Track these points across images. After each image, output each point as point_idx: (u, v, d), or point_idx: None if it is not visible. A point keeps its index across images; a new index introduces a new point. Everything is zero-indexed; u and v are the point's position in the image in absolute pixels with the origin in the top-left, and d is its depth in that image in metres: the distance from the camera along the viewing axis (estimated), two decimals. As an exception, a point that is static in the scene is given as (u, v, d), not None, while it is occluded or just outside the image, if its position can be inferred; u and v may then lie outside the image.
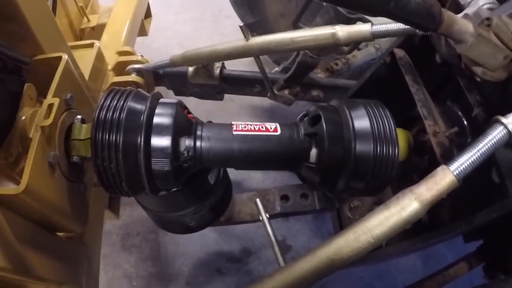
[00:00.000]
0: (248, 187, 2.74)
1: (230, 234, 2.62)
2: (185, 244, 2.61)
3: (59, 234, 1.42)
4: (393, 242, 1.47)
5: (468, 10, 1.15)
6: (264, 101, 2.92)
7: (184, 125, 1.22)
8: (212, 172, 1.43)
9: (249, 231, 2.62)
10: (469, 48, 1.11)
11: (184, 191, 1.32)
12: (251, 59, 1.70)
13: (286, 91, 2.10)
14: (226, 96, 2.42)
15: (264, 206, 1.63)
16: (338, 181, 1.23)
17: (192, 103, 2.47)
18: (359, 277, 2.56)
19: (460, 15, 1.15)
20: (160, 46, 3.70)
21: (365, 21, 1.71)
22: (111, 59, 2.21)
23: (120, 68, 2.20)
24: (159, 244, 2.65)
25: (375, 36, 1.35)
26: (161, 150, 1.14)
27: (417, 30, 1.32)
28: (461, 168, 0.99)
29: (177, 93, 2.33)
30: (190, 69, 2.07)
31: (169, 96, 2.47)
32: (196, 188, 1.40)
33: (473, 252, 1.71)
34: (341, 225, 1.74)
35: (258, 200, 1.45)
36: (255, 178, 2.79)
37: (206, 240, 2.60)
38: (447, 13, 1.08)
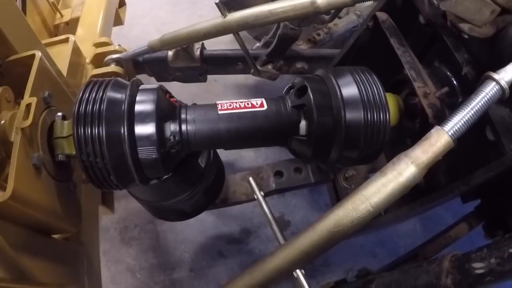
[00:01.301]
0: (241, 167, 2.72)
1: (228, 216, 2.61)
2: (184, 231, 2.59)
3: (55, 236, 1.40)
4: (392, 208, 1.46)
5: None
6: (249, 79, 2.90)
7: (167, 110, 1.18)
8: (202, 155, 1.41)
9: (246, 211, 2.61)
10: (455, 4, 1.09)
11: (175, 178, 1.30)
12: (231, 37, 1.65)
13: (270, 66, 2.06)
14: (209, 77, 2.38)
15: (258, 184, 1.61)
16: (331, 151, 1.21)
17: (176, 87, 2.43)
18: (361, 246, 2.57)
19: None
20: (138, 34, 3.64)
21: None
22: (88, 52, 2.16)
23: (98, 60, 2.15)
24: (158, 234, 2.63)
25: (355, 1, 1.32)
26: (146, 138, 1.11)
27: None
28: (456, 128, 0.97)
29: (159, 79, 2.29)
30: (170, 53, 2.03)
31: (152, 83, 2.46)
32: (188, 174, 1.38)
33: (472, 212, 1.71)
34: (338, 196, 1.73)
35: (251, 179, 1.43)
36: (247, 156, 2.76)
37: (204, 225, 2.59)
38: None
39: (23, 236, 1.21)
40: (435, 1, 1.18)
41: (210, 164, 1.46)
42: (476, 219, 1.72)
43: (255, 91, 3.22)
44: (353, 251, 2.51)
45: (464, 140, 1.02)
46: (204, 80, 2.31)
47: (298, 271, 1.04)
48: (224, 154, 1.56)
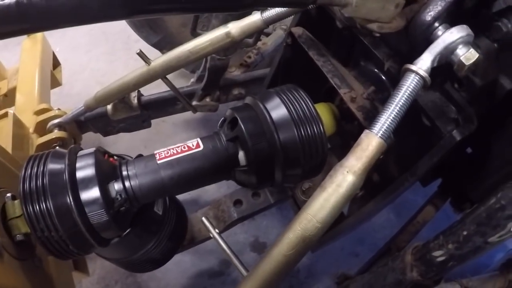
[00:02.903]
0: (205, 200, 2.71)
1: (204, 252, 2.59)
2: (165, 277, 2.57)
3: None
4: (354, 211, 1.49)
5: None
6: (196, 114, 2.91)
7: (108, 170, 1.19)
8: (158, 203, 1.41)
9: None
10: (356, 9, 1.10)
11: (135, 231, 1.30)
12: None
13: (208, 99, 2.09)
14: (157, 118, 2.39)
15: (219, 218, 1.63)
16: (275, 174, 1.23)
17: (126, 136, 2.45)
18: (341, 249, 2.57)
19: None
20: (80, 90, 3.61)
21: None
22: (30, 122, 2.15)
23: (41, 128, 2.13)
24: (140, 285, 2.60)
25: (267, 22, 1.34)
26: (93, 202, 1.11)
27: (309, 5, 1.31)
28: (384, 128, 0.99)
29: (105, 134, 2.28)
30: (109, 107, 2.03)
31: (100, 139, 2.46)
32: (147, 224, 1.38)
33: (435, 193, 1.74)
34: (300, 209, 1.74)
35: (204, 219, 1.44)
36: (209, 190, 2.75)
37: (182, 266, 2.57)
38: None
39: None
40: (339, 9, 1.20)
41: (167, 209, 1.46)
42: (440, 199, 1.75)
43: (204, 123, 3.22)
44: (334, 256, 2.52)
45: (404, 131, 1.04)
46: (149, 125, 2.31)
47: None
48: (186, 193, 1.57)
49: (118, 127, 2.23)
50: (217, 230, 1.39)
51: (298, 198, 1.71)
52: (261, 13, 1.34)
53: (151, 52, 1.56)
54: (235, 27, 1.36)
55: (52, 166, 1.15)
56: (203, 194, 2.72)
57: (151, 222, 1.40)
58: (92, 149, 1.24)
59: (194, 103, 2.07)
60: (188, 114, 2.85)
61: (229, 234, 2.57)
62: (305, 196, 1.69)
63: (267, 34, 2.54)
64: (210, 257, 2.59)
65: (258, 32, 1.85)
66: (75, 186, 1.12)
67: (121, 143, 2.97)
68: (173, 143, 1.29)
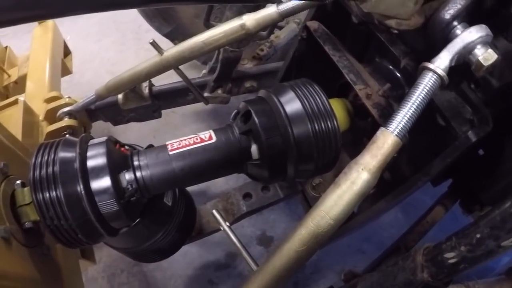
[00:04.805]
0: (214, 192, 2.71)
1: (211, 244, 2.59)
2: (171, 267, 2.57)
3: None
4: (363, 209, 1.48)
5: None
6: (205, 105, 2.91)
7: (119, 160, 1.18)
8: (167, 194, 1.40)
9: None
10: (375, 5, 1.09)
11: (144, 222, 1.30)
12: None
13: (219, 91, 2.08)
14: (168, 109, 2.39)
15: (228, 211, 1.62)
16: (287, 169, 1.22)
17: (135, 126, 2.45)
18: (347, 246, 2.57)
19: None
20: (90, 79, 3.62)
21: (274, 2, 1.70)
22: (40, 109, 2.15)
23: (51, 116, 2.14)
24: (146, 274, 2.61)
25: (283, 15, 1.34)
26: (104, 192, 1.11)
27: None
28: (400, 126, 0.98)
29: (115, 123, 2.28)
30: (120, 96, 2.03)
31: (110, 128, 2.46)
32: (156, 215, 1.38)
33: (445, 193, 1.73)
34: (310, 205, 1.73)
35: (214, 212, 1.44)
36: (218, 182, 2.75)
37: (189, 257, 2.58)
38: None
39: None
40: (357, 4, 1.19)
41: (177, 201, 1.46)
42: (450, 199, 1.74)
43: (214, 115, 3.23)
44: (341, 252, 2.52)
45: (419, 130, 1.03)
46: (159, 116, 2.31)
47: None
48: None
49: (128, 117, 2.22)
50: (227, 223, 1.38)
51: (308, 194, 1.69)
52: (277, 6, 1.33)
53: (162, 43, 1.55)
54: (250, 19, 1.35)
55: (63, 154, 1.14)
56: (212, 186, 2.72)
57: (160, 213, 1.40)
58: (103, 138, 1.23)
59: (205, 94, 2.06)
60: (198, 106, 2.85)
61: (236, 227, 2.54)
62: (315, 192, 1.68)
63: (280, 27, 2.52)
64: (217, 249, 2.59)
65: (272, 25, 1.84)
66: (86, 175, 1.11)
67: (130, 133, 2.96)
68: (183, 134, 1.28)
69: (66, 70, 2.78)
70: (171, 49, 1.50)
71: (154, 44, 1.49)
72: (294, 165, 1.20)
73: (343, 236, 1.58)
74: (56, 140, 1.21)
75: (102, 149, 1.17)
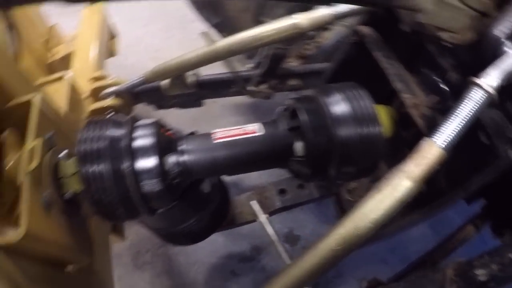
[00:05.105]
0: (247, 185, 2.74)
1: (238, 235, 2.62)
2: (195, 253, 2.61)
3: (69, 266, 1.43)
4: (395, 218, 1.48)
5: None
6: (246, 98, 2.92)
7: (165, 143, 1.21)
8: (205, 181, 1.43)
9: (256, 229, 2.58)
10: (431, 16, 1.10)
11: (180, 205, 1.33)
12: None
13: (263, 86, 2.10)
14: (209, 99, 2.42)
15: (263, 203, 1.64)
16: (329, 169, 1.23)
17: (176, 112, 2.48)
18: (372, 254, 2.57)
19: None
20: (133, 63, 3.67)
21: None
22: (84, 87, 2.19)
23: (95, 94, 2.18)
24: (170, 257, 2.65)
25: (337, 18, 1.35)
26: (149, 171, 1.14)
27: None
28: (447, 138, 0.98)
29: (157, 107, 2.33)
30: (165, 82, 2.06)
31: (150, 112, 2.50)
32: (192, 200, 1.40)
33: (478, 214, 1.72)
34: (342, 208, 1.74)
35: (254, 202, 1.45)
36: (252, 175, 2.75)
37: (215, 245, 2.61)
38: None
39: (39, 270, 1.24)
40: (411, 14, 1.19)
41: (213, 188, 1.49)
42: (482, 220, 1.72)
43: (253, 109, 3.26)
44: (364, 259, 2.52)
45: (460, 145, 1.02)
46: (201, 105, 2.34)
47: (305, 289, 1.06)
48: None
49: (171, 103, 2.26)
50: (265, 215, 1.40)
51: (343, 197, 1.70)
52: (331, 8, 1.35)
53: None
54: (304, 19, 1.37)
55: (113, 131, 1.18)
56: (245, 178, 2.75)
57: (197, 198, 1.43)
58: (152, 120, 1.26)
59: (249, 88, 2.08)
60: (238, 98, 2.87)
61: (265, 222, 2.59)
62: (350, 196, 1.68)
63: (327, 29, 2.52)
64: (243, 242, 2.61)
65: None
66: (133, 153, 1.15)
67: (169, 119, 2.97)
68: (221, 125, 1.30)
69: (111, 52, 2.84)
70: (222, 41, 1.52)
71: (205, 34, 1.51)
72: (336, 166, 1.21)
73: (372, 243, 1.59)
74: (105, 117, 1.25)
75: (150, 130, 1.20)
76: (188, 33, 3.92)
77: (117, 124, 1.21)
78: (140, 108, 2.40)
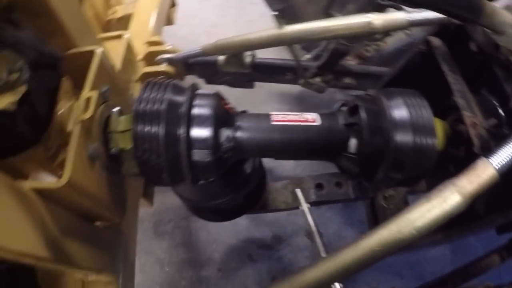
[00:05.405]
0: (279, 174, 2.75)
1: (262, 221, 2.64)
2: (217, 231, 2.63)
3: (97, 223, 1.46)
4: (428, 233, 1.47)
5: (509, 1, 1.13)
6: (293, 88, 2.91)
7: (223, 116, 1.22)
8: (248, 162, 1.44)
9: (280, 218, 2.64)
10: (510, 40, 1.09)
11: (221, 180, 1.33)
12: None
13: (318, 79, 2.10)
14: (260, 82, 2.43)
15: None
16: (377, 171, 1.23)
17: (220, 89, 2.49)
18: (389, 266, 2.57)
19: (500, 5, 1.13)
20: (186, 35, 3.70)
21: (397, 7, 1.70)
22: (140, 50, 2.22)
23: (150, 58, 2.21)
24: (191, 231, 2.67)
25: (411, 24, 1.34)
26: (203, 141, 1.15)
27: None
28: (502, 161, 0.98)
29: (208, 81, 2.34)
30: (221, 58, 2.06)
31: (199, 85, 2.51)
32: (233, 178, 1.42)
33: (504, 245, 1.70)
34: (375, 214, 1.73)
35: (298, 190, 1.46)
36: (286, 165, 2.79)
37: (237, 227, 2.63)
38: (489, 5, 1.06)
39: (70, 220, 1.27)
40: (490, 33, 1.18)
41: (254, 170, 1.49)
42: (508, 251, 1.71)
43: (298, 100, 3.25)
44: (380, 269, 2.52)
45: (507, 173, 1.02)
46: (251, 86, 2.36)
47: (337, 284, 1.06)
48: (264, 160, 1.60)
49: (223, 79, 2.28)
50: (308, 205, 1.41)
51: (377, 202, 1.69)
52: (408, 14, 1.34)
53: (263, 20, 1.57)
54: (379, 19, 1.36)
55: (172, 95, 1.19)
56: (280, 167, 2.76)
57: (237, 177, 1.44)
58: (212, 91, 1.27)
59: (304, 78, 2.08)
60: (285, 87, 2.88)
61: (291, 213, 2.60)
62: (385, 203, 1.68)
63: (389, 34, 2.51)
64: (266, 229, 2.63)
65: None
66: (190, 120, 1.16)
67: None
68: (264, 110, 1.31)
69: (169, 20, 2.86)
70: (292, 27, 1.51)
71: (277, 16, 1.51)
72: (385, 170, 1.21)
73: (397, 254, 1.58)
74: (166, 81, 1.26)
75: (210, 101, 1.21)
76: (245, 14, 3.93)
77: (178, 89, 1.22)
78: (190, 80, 2.41)
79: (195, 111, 1.18)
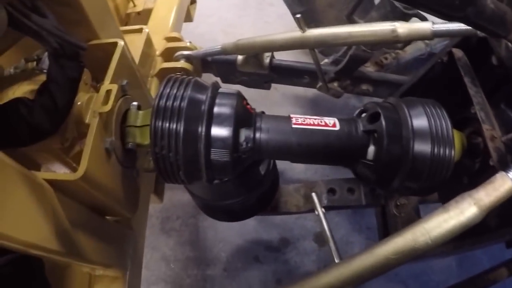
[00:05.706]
0: (290, 177, 2.75)
1: (270, 223, 2.64)
2: (224, 231, 2.63)
3: (108, 217, 1.47)
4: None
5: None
6: (308, 92, 2.92)
7: (243, 116, 1.22)
8: (263, 163, 1.43)
9: (288, 221, 2.64)
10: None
11: (235, 181, 1.34)
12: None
13: (336, 84, 2.09)
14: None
15: (310, 198, 1.64)
16: (394, 180, 1.22)
17: (236, 89, 2.49)
18: (394, 274, 2.57)
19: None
20: (204, 32, 3.70)
21: (421, 17, 1.70)
22: (159, 45, 2.23)
23: (168, 54, 2.21)
24: (198, 229, 2.68)
25: (435, 35, 1.33)
26: (222, 140, 1.14)
27: (478, 32, 1.29)
28: (521, 177, 0.97)
29: (225, 80, 2.33)
30: (240, 57, 2.06)
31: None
32: (248, 179, 1.41)
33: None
34: (385, 221, 1.73)
35: (314, 195, 1.45)
36: (297, 168, 2.79)
37: (245, 228, 2.63)
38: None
39: (82, 214, 1.28)
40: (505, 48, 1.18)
41: (268, 172, 1.49)
42: (516, 267, 1.71)
43: (312, 105, 3.24)
44: (385, 276, 2.46)
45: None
46: (268, 88, 2.35)
47: (349, 290, 1.06)
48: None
49: (240, 79, 2.27)
50: (323, 210, 1.41)
51: (389, 210, 1.69)
52: (432, 24, 1.33)
53: (280, 22, 1.56)
54: (403, 28, 1.35)
55: (193, 93, 1.18)
56: (290, 170, 2.76)
57: (251, 178, 1.43)
58: (234, 90, 1.27)
59: (321, 83, 2.07)
60: (300, 91, 2.88)
61: (299, 217, 2.61)
62: (397, 211, 1.67)
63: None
64: (273, 231, 2.63)
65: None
66: (211, 119, 1.15)
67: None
68: (278, 113, 1.31)
69: (188, 17, 2.87)
70: (314, 30, 1.51)
71: (299, 19, 1.51)
72: (402, 179, 1.20)
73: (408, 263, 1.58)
74: (187, 77, 1.25)
75: (231, 100, 1.20)
76: (264, 15, 3.94)
77: (200, 86, 1.22)
78: (207, 78, 2.42)
79: (216, 109, 1.17)
